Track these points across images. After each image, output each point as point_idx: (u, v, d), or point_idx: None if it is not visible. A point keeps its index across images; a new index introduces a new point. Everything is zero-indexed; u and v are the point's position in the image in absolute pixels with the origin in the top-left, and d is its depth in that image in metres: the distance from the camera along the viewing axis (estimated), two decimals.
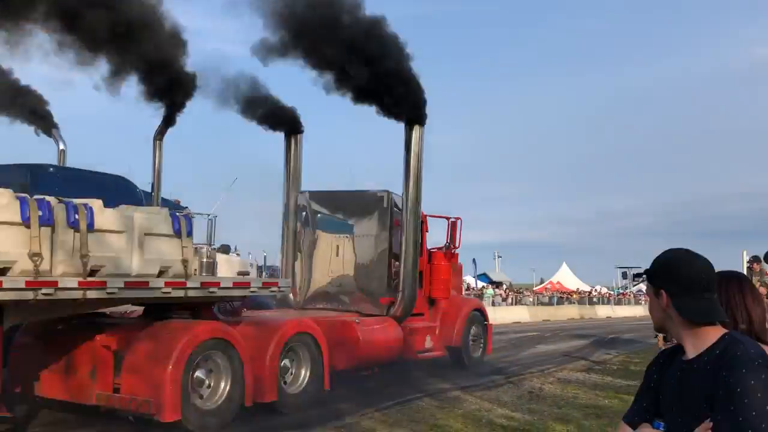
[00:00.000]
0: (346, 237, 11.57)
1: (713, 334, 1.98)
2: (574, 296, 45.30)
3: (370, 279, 11.33)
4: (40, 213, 6.20)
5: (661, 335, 9.96)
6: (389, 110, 11.34)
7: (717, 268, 2.11)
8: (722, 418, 1.81)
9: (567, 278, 54.40)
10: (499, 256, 56.47)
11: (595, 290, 51.49)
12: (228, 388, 7.62)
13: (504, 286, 44.09)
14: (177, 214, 7.84)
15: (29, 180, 9.18)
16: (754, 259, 12.42)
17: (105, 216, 6.85)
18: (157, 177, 10.95)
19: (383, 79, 10.94)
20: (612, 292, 52.92)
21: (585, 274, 57.47)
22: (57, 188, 8.03)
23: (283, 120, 11.67)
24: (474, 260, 40.44)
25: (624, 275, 60.42)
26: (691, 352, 2.00)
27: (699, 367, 1.95)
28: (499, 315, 31.90)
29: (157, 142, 10.96)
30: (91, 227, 6.56)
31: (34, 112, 12.78)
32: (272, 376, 8.22)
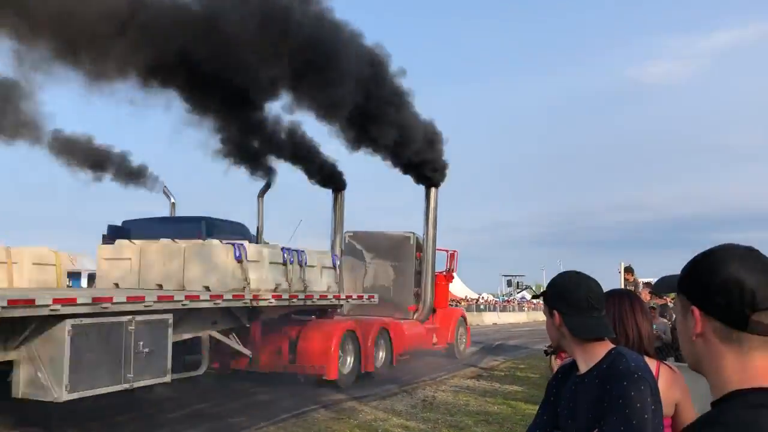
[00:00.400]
0: (379, 264, 15.77)
1: (601, 349, 2.14)
2: (463, 303, 46.56)
3: (399, 293, 15.43)
4: (289, 257, 10.99)
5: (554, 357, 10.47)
6: (414, 176, 15.56)
7: (593, 277, 2.26)
8: (606, 428, 1.97)
9: (456, 286, 55.80)
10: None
11: (482, 297, 53.19)
12: (353, 361, 12.22)
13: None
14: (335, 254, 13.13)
15: (204, 229, 12.50)
16: (627, 270, 13.29)
17: (309, 257, 11.60)
18: (261, 224, 14.28)
19: (413, 153, 14.89)
20: (498, 299, 54.88)
21: (472, 282, 59.14)
22: (215, 234, 11.73)
23: (332, 180, 15.04)
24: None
25: (509, 283, 62.98)
26: (583, 367, 2.16)
27: (589, 381, 2.10)
28: None
29: (261, 198, 14.33)
30: (306, 264, 11.42)
31: (151, 176, 17.14)
32: (371, 355, 12.64)
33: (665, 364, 2.60)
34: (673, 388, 2.51)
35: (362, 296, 13.60)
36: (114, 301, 7.77)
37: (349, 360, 12.16)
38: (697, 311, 1.22)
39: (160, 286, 9.98)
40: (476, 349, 21.22)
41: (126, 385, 7.84)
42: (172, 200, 16.43)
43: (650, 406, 1.96)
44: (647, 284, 12.34)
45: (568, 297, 2.16)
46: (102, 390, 7.61)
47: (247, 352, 11.06)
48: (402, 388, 12.14)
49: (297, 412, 9.76)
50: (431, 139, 15.44)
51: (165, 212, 16.00)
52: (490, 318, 41.69)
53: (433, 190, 15.46)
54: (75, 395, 7.20)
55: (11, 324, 6.93)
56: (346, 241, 15.50)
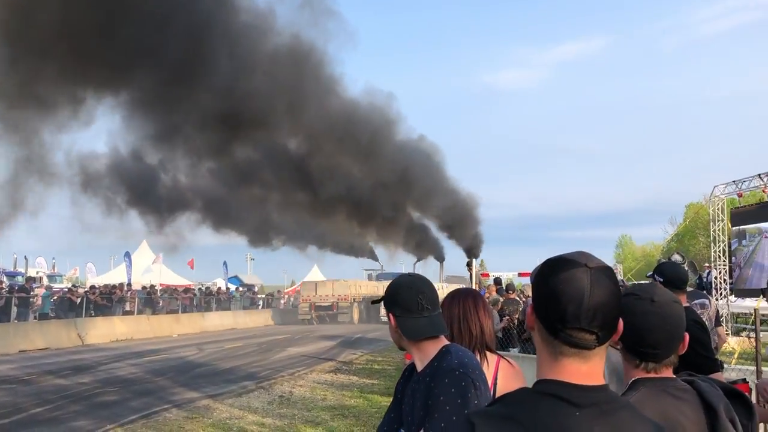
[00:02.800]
0: None
1: (434, 347, 2.20)
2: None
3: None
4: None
5: None
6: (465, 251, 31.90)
7: (425, 279, 2.33)
8: (429, 426, 2.03)
9: (317, 278, 55.83)
10: (251, 258, 56.30)
11: None
12: None
13: (255, 288, 43.98)
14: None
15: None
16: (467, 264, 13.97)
17: None
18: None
19: (472, 246, 31.97)
20: None
21: (334, 275, 59.53)
22: None
23: (441, 256, 35.84)
24: (225, 263, 39.85)
25: (369, 277, 63.92)
26: (419, 366, 2.22)
27: (422, 378, 2.16)
28: (250, 318, 31.79)
29: (415, 264, 33.27)
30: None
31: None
32: None
33: (505, 359, 2.73)
34: (512, 381, 2.64)
35: None
36: None
37: None
38: (530, 309, 1.33)
39: None
40: (335, 343, 21.42)
41: None
42: (381, 264, 37.67)
43: (472, 401, 2.01)
44: (496, 280, 13.00)
45: (400, 300, 2.22)
46: None
47: None
48: (259, 385, 11.97)
49: (147, 413, 9.34)
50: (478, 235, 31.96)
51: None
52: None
53: (474, 261, 28.24)
54: None
55: None
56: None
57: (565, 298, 1.25)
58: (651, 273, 3.84)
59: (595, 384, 1.28)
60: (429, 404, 2.05)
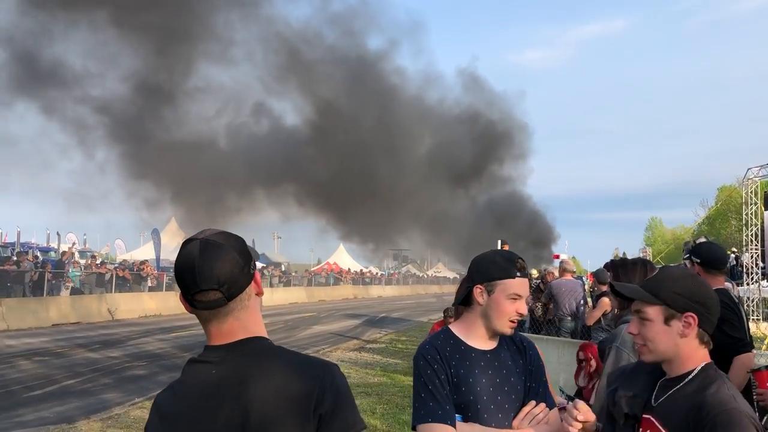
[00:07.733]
0: None
1: None
2: (349, 276, 46.87)
3: None
4: None
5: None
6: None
7: None
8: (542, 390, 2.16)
9: (343, 259, 56.14)
10: (278, 237, 56.67)
11: (369, 271, 53.82)
12: None
13: (283, 267, 44.36)
14: None
15: None
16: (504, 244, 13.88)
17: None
18: None
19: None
20: (383, 273, 55.72)
21: (360, 255, 59.72)
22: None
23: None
24: (253, 241, 40.19)
25: (395, 257, 64.16)
26: (482, 342, 2.24)
27: (506, 352, 2.24)
28: (277, 296, 32.13)
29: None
30: None
31: None
32: None
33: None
34: None
35: None
36: None
37: None
38: (179, 296, 1.49)
39: None
40: (360, 321, 21.56)
41: None
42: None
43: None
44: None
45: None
46: None
47: None
48: None
49: None
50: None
51: None
52: (375, 291, 42.33)
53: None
54: None
55: None
56: None
57: (183, 270, 1.41)
58: (686, 256, 3.75)
59: (232, 341, 1.43)
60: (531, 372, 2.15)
